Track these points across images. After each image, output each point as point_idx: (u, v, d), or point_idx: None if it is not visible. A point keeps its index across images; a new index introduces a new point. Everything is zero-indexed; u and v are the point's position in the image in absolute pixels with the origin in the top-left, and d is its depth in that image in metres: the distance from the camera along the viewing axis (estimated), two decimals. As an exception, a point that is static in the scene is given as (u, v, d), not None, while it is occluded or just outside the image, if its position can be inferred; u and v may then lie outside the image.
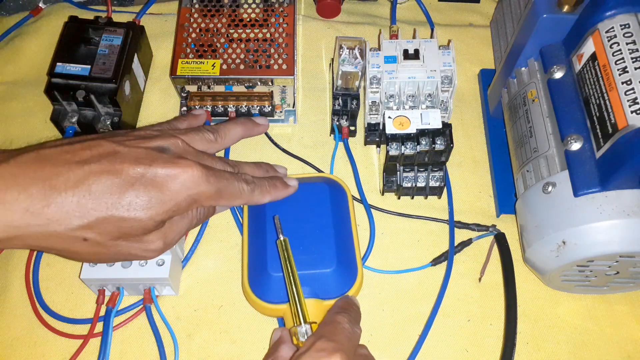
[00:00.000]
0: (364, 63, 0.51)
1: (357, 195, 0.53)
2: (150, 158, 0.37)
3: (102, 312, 0.46)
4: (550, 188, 0.43)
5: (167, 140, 0.40)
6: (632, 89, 0.39)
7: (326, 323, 0.39)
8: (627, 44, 0.41)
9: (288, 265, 0.42)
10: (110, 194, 0.34)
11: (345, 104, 0.54)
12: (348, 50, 0.51)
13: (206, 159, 0.42)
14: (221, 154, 0.55)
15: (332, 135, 0.56)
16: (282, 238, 0.43)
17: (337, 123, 0.55)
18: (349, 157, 0.54)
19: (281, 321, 0.46)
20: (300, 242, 0.45)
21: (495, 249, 0.50)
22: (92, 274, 0.44)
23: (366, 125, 0.53)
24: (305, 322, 0.39)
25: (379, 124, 0.53)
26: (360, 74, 0.51)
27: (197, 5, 0.56)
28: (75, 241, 0.35)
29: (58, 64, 0.52)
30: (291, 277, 0.41)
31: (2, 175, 0.33)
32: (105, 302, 0.45)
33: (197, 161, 0.39)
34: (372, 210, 0.52)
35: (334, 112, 0.54)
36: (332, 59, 0.57)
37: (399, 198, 0.53)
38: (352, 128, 0.55)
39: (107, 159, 0.35)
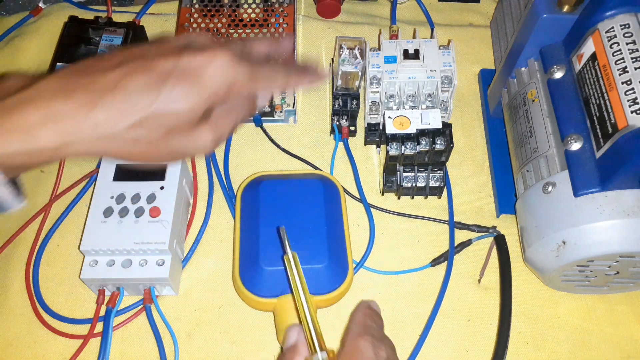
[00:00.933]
0: (364, 63, 0.51)
1: (357, 195, 0.53)
2: (178, 52, 0.37)
3: (102, 312, 0.46)
4: (550, 188, 0.43)
5: (191, 36, 0.40)
6: (632, 89, 0.39)
7: (347, 353, 0.36)
8: (627, 44, 0.41)
9: (299, 284, 0.36)
10: (148, 91, 0.35)
11: (345, 104, 0.54)
12: (348, 50, 0.51)
13: (233, 48, 0.40)
14: (221, 154, 0.55)
15: (332, 135, 0.56)
16: (290, 254, 0.38)
17: (337, 123, 0.55)
18: (349, 157, 0.54)
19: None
20: (293, 237, 0.45)
21: (495, 250, 0.50)
22: (92, 274, 0.44)
23: (366, 125, 0.53)
24: (321, 349, 0.35)
25: (379, 124, 0.53)
26: (360, 74, 0.51)
27: (197, 5, 0.56)
28: (126, 142, 0.35)
29: (58, 63, 0.52)
30: (302, 299, 0.36)
31: (44, 88, 0.34)
32: (105, 302, 0.46)
33: (226, 49, 0.39)
34: (372, 209, 0.52)
35: (334, 112, 0.54)
36: (332, 59, 0.57)
37: (399, 198, 0.53)
38: (352, 128, 0.55)
39: (137, 60, 0.36)
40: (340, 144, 0.55)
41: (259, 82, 0.40)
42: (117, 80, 0.35)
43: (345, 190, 0.53)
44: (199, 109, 0.37)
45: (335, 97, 0.54)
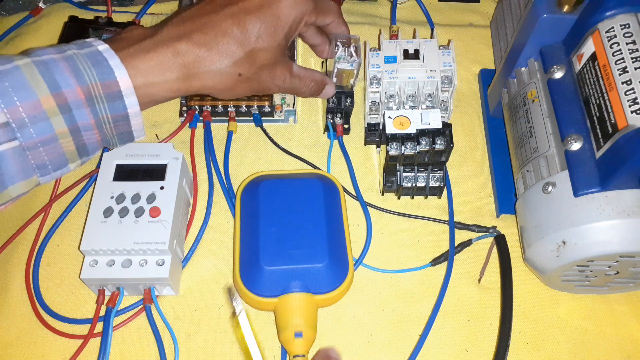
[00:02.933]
0: (359, 60, 0.51)
1: (353, 193, 0.53)
2: None
3: (102, 312, 0.46)
4: (550, 188, 0.43)
5: None
6: (632, 89, 0.39)
7: None
8: (627, 44, 0.41)
9: (254, 345, 0.37)
10: (245, 31, 0.42)
11: (339, 101, 0.54)
12: (343, 48, 0.51)
13: None
14: (221, 154, 0.55)
15: (327, 134, 0.56)
16: (241, 313, 0.38)
17: (332, 121, 0.55)
18: (344, 154, 0.54)
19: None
20: (293, 236, 0.45)
21: (495, 250, 0.50)
22: (92, 274, 0.44)
23: (366, 125, 0.53)
24: None
25: (379, 124, 0.53)
26: (355, 72, 0.51)
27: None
28: (232, 77, 0.42)
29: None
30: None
31: (168, 34, 0.41)
32: (105, 302, 0.45)
33: None
34: (372, 209, 0.52)
35: (329, 110, 0.54)
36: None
37: (399, 198, 0.53)
38: (346, 126, 0.55)
39: (229, 6, 0.42)
40: (336, 143, 0.55)
41: (319, 15, 0.47)
42: (218, 23, 0.41)
43: (345, 190, 0.53)
44: (283, 44, 0.44)
45: None
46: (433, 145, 0.47)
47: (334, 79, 0.52)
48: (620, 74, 0.40)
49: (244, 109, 0.56)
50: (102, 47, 0.38)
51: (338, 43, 0.51)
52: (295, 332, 0.42)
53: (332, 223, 0.46)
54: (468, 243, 0.50)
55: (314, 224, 0.46)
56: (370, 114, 0.51)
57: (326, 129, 0.55)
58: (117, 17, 0.62)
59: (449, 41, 0.51)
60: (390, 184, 0.52)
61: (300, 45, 0.63)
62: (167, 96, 0.41)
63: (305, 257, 0.44)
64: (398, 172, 0.51)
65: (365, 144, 0.56)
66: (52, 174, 0.37)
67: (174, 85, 0.40)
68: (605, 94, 0.41)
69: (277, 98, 0.56)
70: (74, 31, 0.55)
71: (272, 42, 0.43)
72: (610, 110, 0.40)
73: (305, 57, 0.62)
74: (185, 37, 0.40)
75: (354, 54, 0.51)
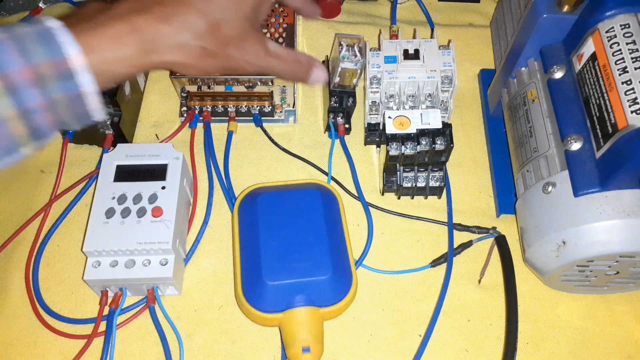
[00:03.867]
0: (363, 61, 0.51)
1: (354, 192, 0.53)
2: None
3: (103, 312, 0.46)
4: (550, 188, 0.43)
5: None
6: (632, 89, 0.39)
7: None
8: (627, 44, 0.41)
9: None
10: (208, 2, 0.40)
11: (341, 101, 0.54)
12: (348, 48, 0.51)
13: None
14: (221, 154, 0.55)
15: (327, 133, 0.56)
16: None
17: (333, 121, 0.55)
18: (346, 154, 0.54)
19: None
20: (294, 249, 0.44)
21: (496, 250, 0.50)
22: (95, 275, 0.44)
23: (366, 125, 0.53)
24: None
25: (379, 124, 0.53)
26: (359, 71, 0.51)
27: (197, 5, 0.56)
28: (194, 51, 0.40)
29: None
30: None
31: (126, 7, 0.38)
32: (108, 304, 0.45)
33: None
34: (372, 209, 0.52)
35: (330, 110, 0.54)
36: (327, 56, 0.57)
37: (399, 198, 0.53)
38: (347, 126, 0.55)
39: None
40: (337, 142, 0.55)
41: None
42: None
43: (346, 190, 0.53)
44: (252, 16, 0.42)
45: (332, 95, 0.54)
46: (433, 145, 0.47)
47: (337, 79, 0.52)
48: (620, 74, 0.40)
49: (244, 109, 0.56)
50: (53, 23, 0.36)
51: (342, 42, 0.51)
52: (303, 348, 0.41)
53: (333, 233, 0.46)
54: (468, 244, 0.50)
55: (315, 235, 0.45)
56: (370, 114, 0.51)
57: (327, 128, 0.55)
58: (117, 17, 0.62)
59: (449, 41, 0.51)
60: (390, 184, 0.52)
61: (300, 40, 0.63)
62: (126, 72, 0.39)
63: (309, 270, 0.43)
64: (398, 172, 0.51)
65: (365, 144, 0.56)
66: (3, 160, 0.35)
67: (133, 61, 0.39)
68: (605, 94, 0.41)
69: (277, 98, 0.56)
70: (74, 31, 0.55)
71: (237, 14, 0.41)
72: (610, 110, 0.40)
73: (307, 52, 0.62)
74: (144, 10, 0.39)
75: (357, 54, 0.50)
